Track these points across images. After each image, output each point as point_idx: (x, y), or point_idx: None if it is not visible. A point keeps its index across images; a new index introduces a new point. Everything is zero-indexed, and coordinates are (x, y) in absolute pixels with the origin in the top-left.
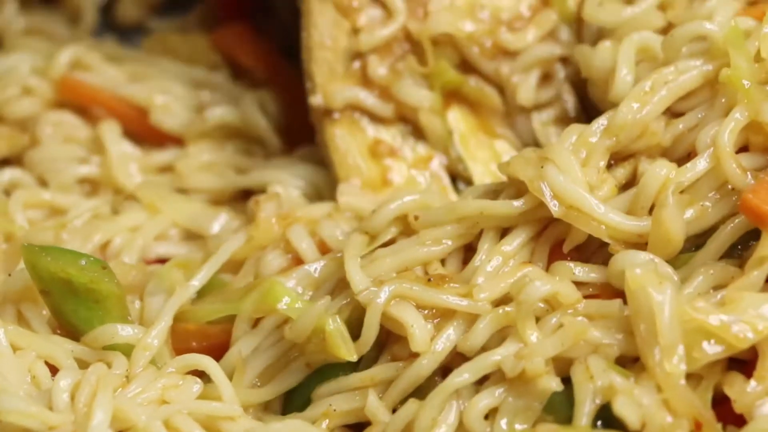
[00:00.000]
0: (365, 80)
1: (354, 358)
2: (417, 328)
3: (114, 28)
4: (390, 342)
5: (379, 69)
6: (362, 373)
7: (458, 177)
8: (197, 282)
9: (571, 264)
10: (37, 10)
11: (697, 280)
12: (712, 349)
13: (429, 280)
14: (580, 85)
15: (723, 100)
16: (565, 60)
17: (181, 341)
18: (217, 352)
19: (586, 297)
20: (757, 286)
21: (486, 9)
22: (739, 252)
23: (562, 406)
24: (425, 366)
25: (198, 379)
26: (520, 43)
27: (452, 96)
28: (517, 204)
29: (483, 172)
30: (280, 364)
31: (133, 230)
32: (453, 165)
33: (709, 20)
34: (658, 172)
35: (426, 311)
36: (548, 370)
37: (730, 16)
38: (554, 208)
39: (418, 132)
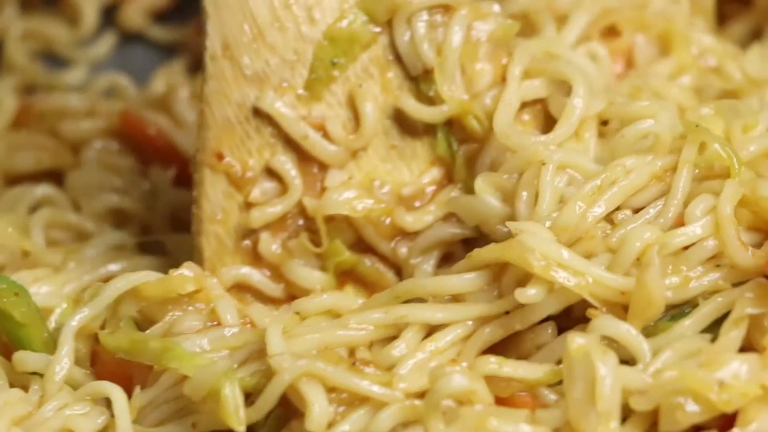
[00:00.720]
0: (255, 258)
1: (242, 429)
2: (318, 408)
3: (114, 32)
4: (294, 418)
5: (270, 247)
6: None
7: None
8: (78, 317)
9: (494, 359)
10: (37, 12)
11: (665, 354)
12: (693, 410)
13: (354, 363)
14: None
15: (681, 190)
16: (467, 240)
17: (103, 366)
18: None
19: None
20: (734, 348)
21: (386, 184)
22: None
23: None
24: None
25: (105, 410)
26: (420, 224)
27: (347, 275)
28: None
29: None
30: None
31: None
32: None
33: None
34: (642, 234)
35: (337, 395)
36: None
37: (673, 113)
38: (537, 263)
39: None
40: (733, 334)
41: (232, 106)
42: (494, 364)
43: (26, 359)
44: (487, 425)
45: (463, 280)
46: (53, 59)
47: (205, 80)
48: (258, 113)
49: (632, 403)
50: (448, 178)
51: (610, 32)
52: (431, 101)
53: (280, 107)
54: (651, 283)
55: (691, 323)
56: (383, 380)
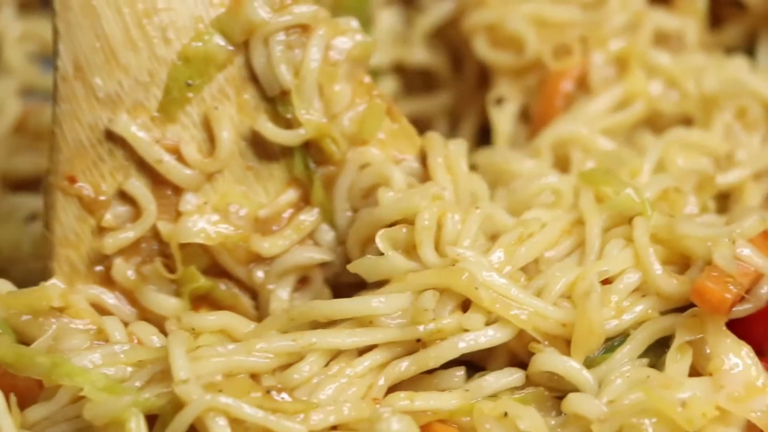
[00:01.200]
0: (108, 282)
1: None
2: None
3: None
4: None
5: (124, 272)
6: None
7: None
8: None
9: (403, 395)
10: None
11: (615, 383)
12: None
13: (268, 392)
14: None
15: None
16: (325, 264)
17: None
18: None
19: None
20: (684, 375)
21: (243, 207)
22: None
23: None
24: None
25: None
26: (276, 249)
27: (202, 299)
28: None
29: None
30: None
31: None
32: None
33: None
34: (567, 271)
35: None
36: None
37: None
38: (485, 293)
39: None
40: (680, 362)
41: (84, 128)
42: (405, 399)
43: None
44: None
45: (366, 303)
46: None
47: (56, 102)
48: (111, 136)
49: (595, 431)
50: (305, 200)
51: (563, 50)
52: (288, 123)
53: (134, 130)
54: (591, 312)
55: (628, 350)
56: (297, 409)
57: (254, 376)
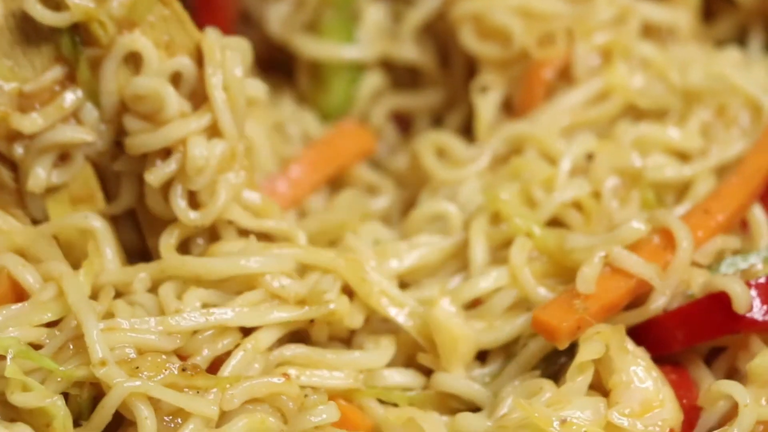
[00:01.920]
0: None
1: None
2: (149, 422)
3: None
4: (124, 425)
5: None
6: None
7: None
8: None
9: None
10: None
11: (508, 401)
12: None
13: (183, 369)
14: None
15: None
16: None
17: None
18: None
19: None
20: (581, 392)
21: (10, 82)
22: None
23: None
24: None
25: None
26: (35, 127)
27: None
28: None
29: None
30: None
31: None
32: None
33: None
34: (433, 289)
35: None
36: None
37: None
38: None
39: None
40: (579, 380)
41: None
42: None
43: None
44: None
45: (237, 263)
46: None
47: None
48: None
49: None
50: (71, 79)
51: (547, 40)
52: (57, 5)
53: None
54: (442, 316)
55: (517, 362)
56: (210, 385)
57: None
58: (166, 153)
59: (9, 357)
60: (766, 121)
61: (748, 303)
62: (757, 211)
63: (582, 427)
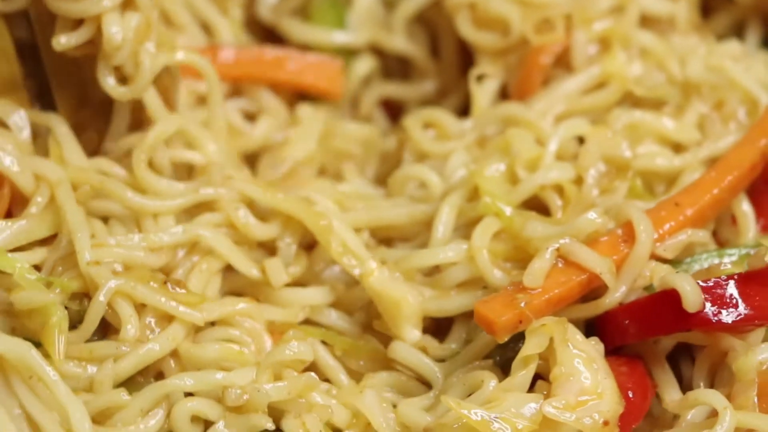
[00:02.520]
0: None
1: (60, 356)
2: (132, 319)
3: None
4: (109, 333)
5: None
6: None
7: None
8: None
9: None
10: None
11: (452, 391)
12: None
13: (165, 282)
14: None
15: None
16: None
17: None
18: None
19: None
20: (523, 386)
21: None
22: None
23: None
24: (142, 355)
25: None
26: None
27: None
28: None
29: None
30: None
31: None
32: None
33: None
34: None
35: (147, 312)
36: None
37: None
38: (336, 247)
39: None
40: (521, 374)
41: None
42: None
43: None
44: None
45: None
46: None
47: None
48: None
49: None
50: None
51: (546, 26)
52: None
53: None
54: (376, 282)
55: (472, 347)
56: (191, 301)
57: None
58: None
59: (17, 266)
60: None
61: (698, 302)
62: (744, 205)
63: (516, 423)
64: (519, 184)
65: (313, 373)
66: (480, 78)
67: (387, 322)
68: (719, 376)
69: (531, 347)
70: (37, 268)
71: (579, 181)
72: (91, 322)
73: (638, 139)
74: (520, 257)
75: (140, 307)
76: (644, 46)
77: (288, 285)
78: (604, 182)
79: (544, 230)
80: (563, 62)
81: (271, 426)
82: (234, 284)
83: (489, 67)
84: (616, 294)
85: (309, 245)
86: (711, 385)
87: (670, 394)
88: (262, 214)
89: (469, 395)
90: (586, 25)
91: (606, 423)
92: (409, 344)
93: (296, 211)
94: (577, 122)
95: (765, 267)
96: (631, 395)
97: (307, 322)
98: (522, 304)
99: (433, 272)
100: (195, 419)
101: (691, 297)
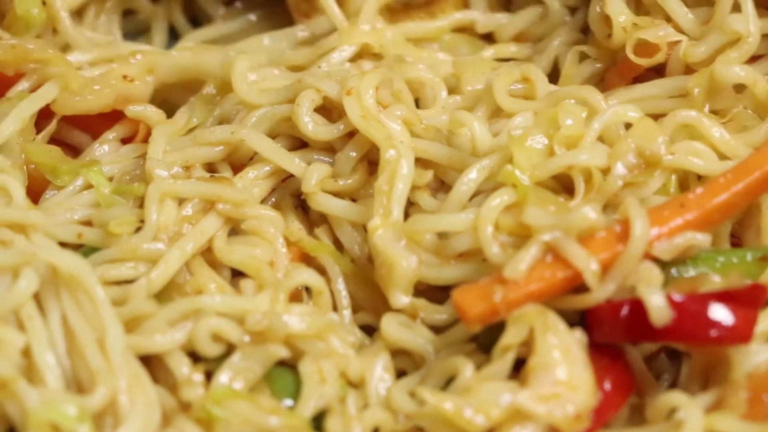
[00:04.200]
0: None
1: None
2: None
3: None
4: None
5: None
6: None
7: None
8: None
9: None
10: None
11: (432, 377)
12: None
13: (211, 175)
14: None
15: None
16: None
17: None
18: None
19: None
20: (500, 375)
21: None
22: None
23: (284, 386)
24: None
25: None
26: None
27: None
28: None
29: None
30: None
31: None
32: None
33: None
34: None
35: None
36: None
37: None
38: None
39: None
40: (499, 364)
41: None
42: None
43: None
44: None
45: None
46: None
47: None
48: None
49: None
50: None
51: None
52: None
53: None
54: (379, 241)
55: (460, 327)
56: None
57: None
58: None
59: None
60: None
61: (663, 319)
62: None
63: (488, 411)
64: (551, 158)
65: (335, 316)
66: (580, 57)
67: (380, 280)
68: (713, 375)
69: (510, 336)
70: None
71: (608, 169)
72: (151, 208)
73: (687, 137)
74: (523, 235)
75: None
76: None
77: (334, 194)
78: (632, 175)
79: (541, 219)
80: (659, 67)
81: (286, 354)
82: None
83: (594, 51)
84: (602, 293)
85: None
86: (705, 382)
87: (648, 394)
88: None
89: (448, 381)
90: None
91: (578, 416)
92: (399, 306)
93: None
94: (628, 108)
95: (746, 287)
96: (608, 387)
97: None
98: (498, 297)
99: (445, 236)
100: (216, 339)
101: (656, 314)
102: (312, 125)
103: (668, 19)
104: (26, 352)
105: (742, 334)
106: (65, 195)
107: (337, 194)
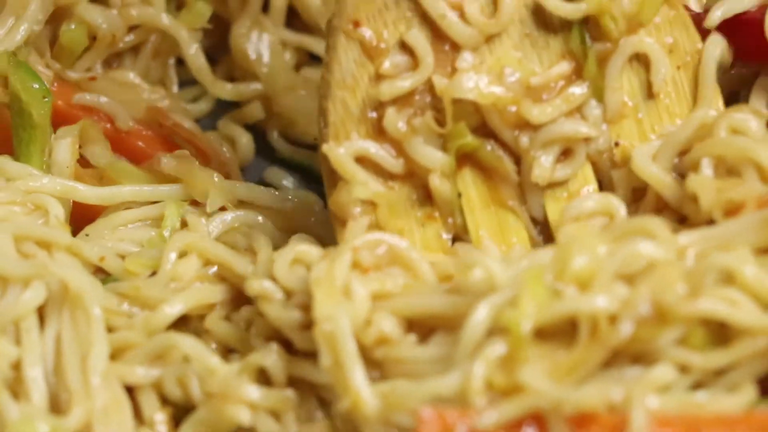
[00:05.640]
0: (379, 131)
1: None
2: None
3: None
4: None
5: (396, 122)
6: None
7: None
8: None
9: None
10: None
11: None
12: None
13: None
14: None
15: None
16: (588, 139)
17: None
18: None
19: None
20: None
21: (516, 72)
22: None
23: None
24: None
25: None
26: (544, 117)
27: (467, 158)
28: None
29: (488, 241)
30: None
31: None
32: (456, 229)
33: None
34: None
35: None
36: None
37: None
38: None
39: (425, 191)
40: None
41: None
42: None
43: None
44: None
45: None
46: None
47: None
48: None
49: None
50: (577, 74)
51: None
52: None
53: None
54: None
55: None
56: None
57: None
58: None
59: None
60: None
61: None
62: None
63: None
64: (557, 300)
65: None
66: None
67: None
68: None
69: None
70: None
71: (615, 318)
72: None
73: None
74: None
75: None
76: None
77: None
78: (643, 329)
79: (536, 382)
80: None
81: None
82: None
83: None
84: None
85: None
86: None
87: None
88: None
89: None
90: None
91: None
92: None
93: None
94: (645, 246)
95: None
96: None
97: None
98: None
99: None
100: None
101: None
102: None
103: None
104: (17, 365)
105: None
106: (122, 219)
107: None
